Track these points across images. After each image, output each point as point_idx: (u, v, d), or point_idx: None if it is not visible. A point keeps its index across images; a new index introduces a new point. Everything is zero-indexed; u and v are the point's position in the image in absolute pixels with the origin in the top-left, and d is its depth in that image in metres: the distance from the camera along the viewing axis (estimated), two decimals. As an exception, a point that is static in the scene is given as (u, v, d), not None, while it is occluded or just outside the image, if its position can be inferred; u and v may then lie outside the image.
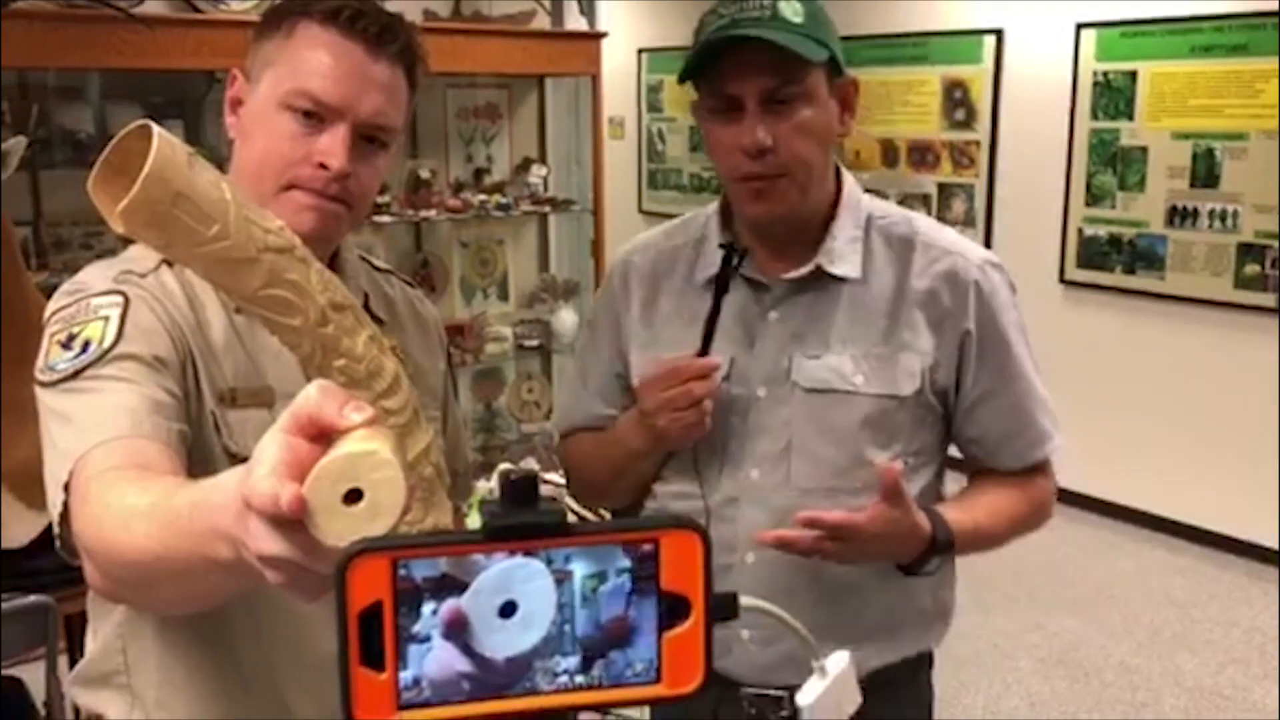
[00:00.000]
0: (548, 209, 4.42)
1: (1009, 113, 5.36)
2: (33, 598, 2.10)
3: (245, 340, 1.19)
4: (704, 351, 1.44)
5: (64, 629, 2.26)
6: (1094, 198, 5.06)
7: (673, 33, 7.08)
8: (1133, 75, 4.86)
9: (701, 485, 1.49)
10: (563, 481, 2.88)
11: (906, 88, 5.69)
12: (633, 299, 1.57)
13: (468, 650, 0.54)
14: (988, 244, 5.41)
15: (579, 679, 0.56)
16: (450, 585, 0.54)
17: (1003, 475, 1.54)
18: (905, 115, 5.73)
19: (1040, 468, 1.56)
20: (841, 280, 1.45)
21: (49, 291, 1.31)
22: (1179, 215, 4.79)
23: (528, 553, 0.55)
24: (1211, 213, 4.68)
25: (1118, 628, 4.16)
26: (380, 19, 1.19)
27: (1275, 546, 4.55)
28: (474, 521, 1.79)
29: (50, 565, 2.04)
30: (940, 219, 5.79)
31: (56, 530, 1.02)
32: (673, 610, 0.57)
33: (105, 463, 0.96)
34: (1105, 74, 4.95)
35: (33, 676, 2.24)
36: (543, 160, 4.49)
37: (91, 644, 1.25)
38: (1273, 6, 4.36)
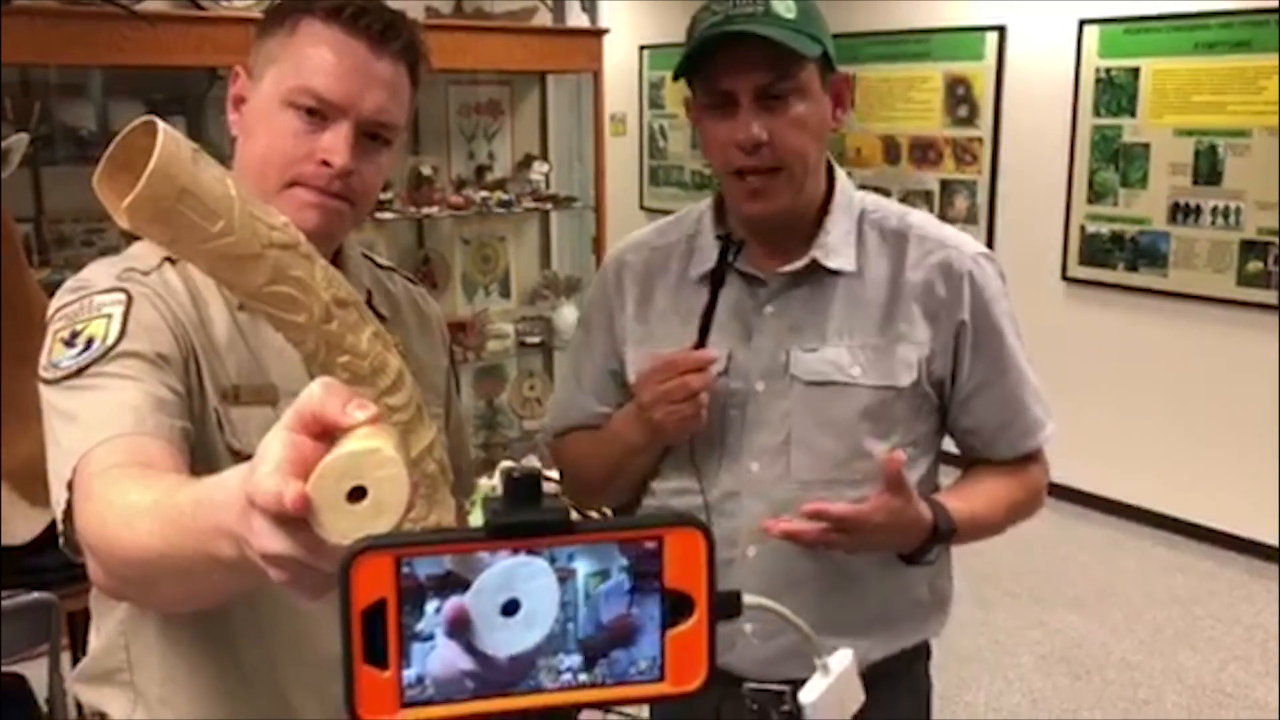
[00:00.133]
0: (549, 206, 4.42)
1: (1011, 109, 5.35)
2: (35, 595, 2.10)
3: (248, 337, 1.19)
4: (700, 345, 1.44)
5: (67, 626, 2.27)
6: (1096, 194, 5.06)
7: (674, 29, 7.05)
8: (1135, 72, 4.85)
9: (700, 480, 1.49)
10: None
11: (909, 84, 5.69)
12: (627, 296, 1.57)
13: (471, 648, 0.54)
14: (990, 241, 5.41)
15: (582, 677, 0.56)
16: (453, 583, 0.54)
17: (998, 464, 1.55)
18: (907, 112, 5.72)
19: (1034, 455, 1.57)
20: (837, 273, 1.46)
21: (51, 288, 1.31)
22: (1181, 212, 4.78)
23: (531, 551, 0.55)
24: (1214, 209, 4.67)
25: (1119, 625, 4.16)
26: (383, 16, 1.19)
27: (1277, 544, 4.55)
28: (476, 518, 1.80)
29: (53, 562, 2.05)
30: (942, 216, 5.80)
31: (60, 528, 1.02)
32: (676, 608, 0.57)
33: (108, 460, 0.96)
34: (1108, 70, 4.94)
35: (35, 673, 2.24)
36: (544, 157, 4.49)
37: (94, 641, 1.25)
38: (1275, 3, 4.35)
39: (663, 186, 7.50)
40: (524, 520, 0.55)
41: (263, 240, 0.91)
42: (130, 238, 1.09)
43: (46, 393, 1.07)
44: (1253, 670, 3.83)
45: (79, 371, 1.05)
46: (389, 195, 3.89)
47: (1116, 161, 4.97)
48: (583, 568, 0.55)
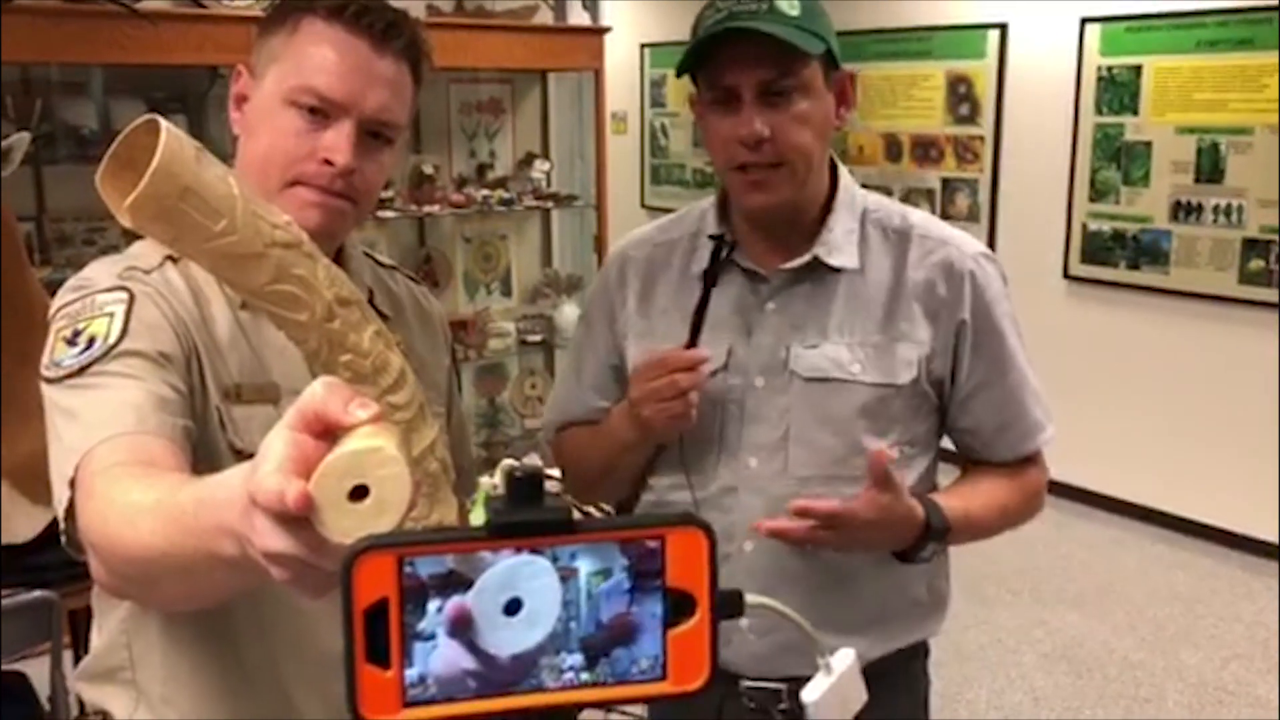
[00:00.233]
0: (550, 204, 4.42)
1: (1013, 108, 5.35)
2: (37, 593, 2.10)
3: (250, 336, 1.19)
4: (692, 343, 1.45)
5: (68, 624, 2.27)
6: (1098, 193, 5.06)
7: (675, 27, 7.07)
8: (1137, 70, 4.85)
9: (689, 478, 1.50)
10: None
11: (910, 82, 5.69)
12: (629, 291, 1.58)
13: (473, 647, 0.54)
14: (991, 239, 5.41)
15: (584, 676, 0.56)
16: (456, 582, 0.54)
17: (996, 466, 1.55)
18: (909, 110, 5.72)
19: (1032, 458, 1.57)
20: (839, 271, 1.47)
21: (52, 287, 1.31)
22: (1183, 210, 4.78)
23: (533, 550, 0.55)
24: (1216, 208, 4.67)
25: (1121, 623, 4.16)
26: (385, 15, 1.19)
27: (1277, 542, 4.55)
28: (478, 517, 1.80)
29: (54, 560, 2.05)
30: (944, 214, 5.78)
31: (62, 526, 1.02)
32: (678, 607, 0.57)
33: (110, 459, 0.96)
34: (1109, 68, 4.94)
35: (37, 671, 2.24)
36: (546, 155, 4.49)
37: (96, 640, 1.25)
38: (1276, 1, 4.35)
39: (664, 185, 7.50)
40: (526, 520, 0.55)
41: (265, 239, 0.91)
42: (132, 236, 1.09)
43: (48, 391, 1.07)
44: (1254, 668, 3.83)
45: (81, 370, 1.05)
46: (390, 193, 3.90)
47: (1118, 159, 4.96)
48: (585, 567, 0.55)
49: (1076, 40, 5.02)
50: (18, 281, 2.14)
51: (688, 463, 1.50)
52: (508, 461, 3.49)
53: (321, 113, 1.17)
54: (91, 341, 1.07)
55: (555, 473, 1.76)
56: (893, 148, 5.81)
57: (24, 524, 2.12)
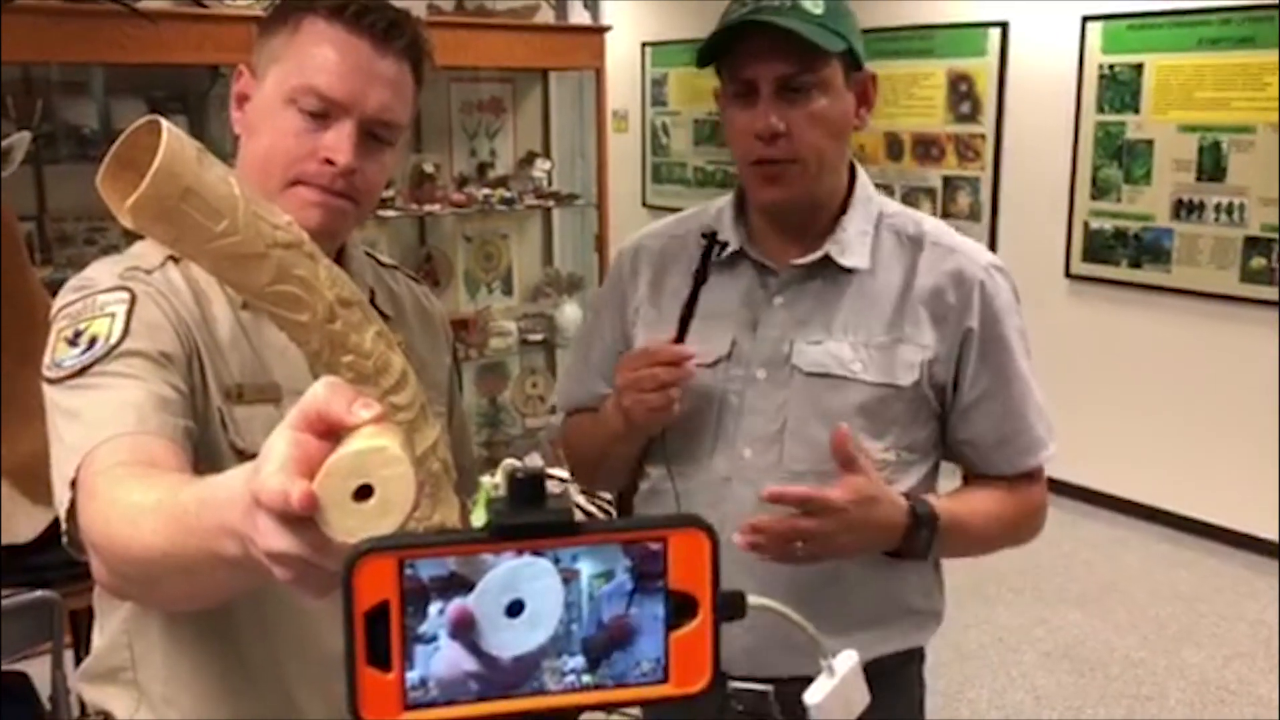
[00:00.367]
0: (551, 203, 4.42)
1: (1014, 106, 5.35)
2: (38, 593, 2.10)
3: (251, 336, 1.19)
4: (680, 338, 1.45)
5: (69, 624, 2.27)
6: (1100, 191, 5.05)
7: (676, 26, 7.07)
8: (1139, 68, 4.84)
9: (670, 469, 1.51)
10: (568, 476, 2.89)
11: (911, 81, 5.68)
12: (640, 280, 1.59)
13: (475, 649, 0.54)
14: (993, 238, 5.41)
15: (586, 679, 0.56)
16: (457, 585, 0.54)
17: (994, 479, 1.54)
18: (910, 108, 5.72)
19: (1033, 476, 1.55)
20: (849, 271, 1.47)
21: (53, 287, 1.31)
22: (1185, 208, 4.77)
23: (535, 552, 0.55)
24: (1218, 206, 4.66)
25: (1123, 622, 4.15)
26: (387, 15, 1.19)
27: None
28: (479, 516, 1.80)
29: (55, 560, 2.05)
30: (945, 213, 5.77)
31: (64, 526, 1.02)
32: (680, 609, 0.57)
33: (112, 459, 0.96)
34: (1111, 67, 4.93)
35: (38, 671, 2.24)
36: (547, 154, 4.49)
37: (98, 640, 1.25)
38: (1279, -1, 4.35)
39: (665, 184, 7.49)
40: (528, 522, 0.54)
41: (266, 239, 0.91)
42: (133, 236, 1.09)
43: (50, 391, 1.07)
44: (1256, 667, 3.82)
45: (82, 370, 1.05)
46: (391, 193, 3.90)
47: (1120, 158, 4.96)
48: (586, 569, 0.55)
49: (1078, 38, 5.02)
50: (19, 281, 2.14)
51: (670, 454, 1.51)
52: (509, 461, 3.47)
53: (323, 113, 1.17)
54: (93, 342, 1.07)
55: (557, 472, 1.76)
56: (894, 146, 5.81)
57: (25, 524, 2.12)
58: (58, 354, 1.08)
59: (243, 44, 3.12)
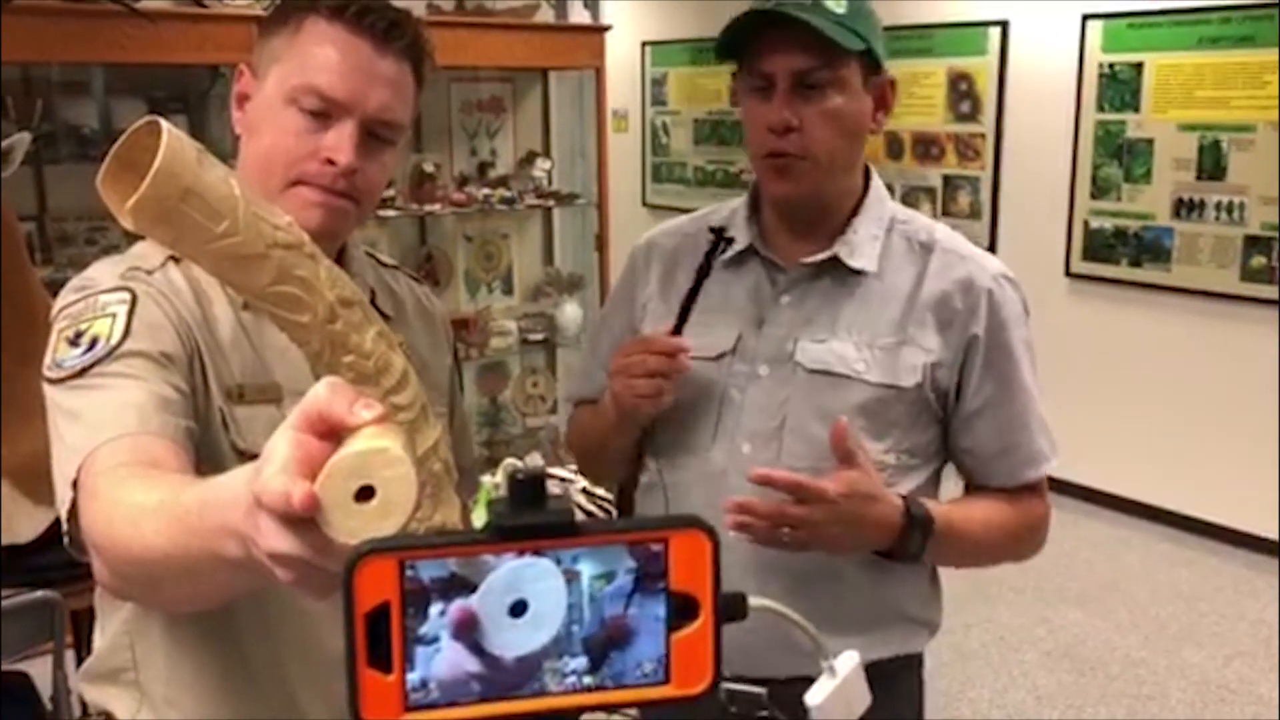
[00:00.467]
0: (552, 203, 4.42)
1: (1014, 105, 5.35)
2: (39, 593, 2.10)
3: (252, 337, 1.19)
4: (678, 330, 1.46)
5: (70, 624, 2.27)
6: (1100, 190, 5.05)
7: (676, 26, 7.07)
8: (1138, 67, 4.84)
9: (658, 462, 1.53)
10: (569, 476, 2.89)
11: (911, 80, 5.68)
12: (652, 274, 1.61)
13: (478, 650, 0.54)
14: (993, 237, 5.41)
15: (587, 680, 0.56)
16: (458, 586, 0.53)
17: (994, 491, 1.53)
18: (910, 108, 5.71)
19: (1034, 489, 1.54)
20: (857, 273, 1.48)
21: (54, 287, 1.31)
22: (1185, 207, 4.77)
23: (536, 552, 0.55)
24: (1218, 205, 4.66)
25: (1124, 621, 4.15)
26: (387, 14, 1.19)
27: (1281, 539, 4.56)
28: (480, 516, 1.80)
29: (56, 561, 2.05)
30: (945, 212, 5.76)
31: (65, 527, 1.02)
32: (681, 610, 0.57)
33: (113, 459, 0.96)
34: (1111, 65, 4.93)
35: (39, 672, 2.24)
36: (547, 154, 4.49)
37: (99, 641, 1.25)
38: (1279, -2, 4.35)
39: (665, 183, 7.49)
40: (529, 523, 0.54)
41: (267, 240, 0.91)
42: (134, 236, 1.09)
43: (51, 392, 1.07)
44: (1257, 666, 3.83)
45: (83, 371, 1.05)
46: (391, 193, 3.90)
47: (1120, 157, 4.96)
48: (587, 569, 0.55)
49: (1078, 37, 5.02)
50: (19, 281, 2.14)
51: (669, 445, 1.52)
52: (510, 461, 3.49)
53: (324, 113, 1.17)
54: (94, 342, 1.07)
55: (558, 472, 1.77)
56: (894, 145, 5.80)
57: (26, 524, 2.12)
58: (59, 354, 1.08)
59: (243, 44, 3.12)
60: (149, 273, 1.16)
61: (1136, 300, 5.00)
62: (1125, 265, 5.01)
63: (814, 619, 1.20)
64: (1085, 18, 4.98)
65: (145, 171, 0.83)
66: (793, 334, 1.48)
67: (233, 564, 0.71)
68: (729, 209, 1.59)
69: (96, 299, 1.11)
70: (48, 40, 3.08)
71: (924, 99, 5.66)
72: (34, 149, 2.76)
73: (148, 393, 1.04)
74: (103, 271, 1.17)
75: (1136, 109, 4.87)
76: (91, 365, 1.05)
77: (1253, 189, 4.55)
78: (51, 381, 1.07)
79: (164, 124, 0.85)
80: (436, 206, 4.09)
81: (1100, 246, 5.09)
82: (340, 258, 1.27)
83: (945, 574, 1.61)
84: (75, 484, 0.98)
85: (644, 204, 7.55)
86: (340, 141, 1.16)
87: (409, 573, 0.53)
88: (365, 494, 0.60)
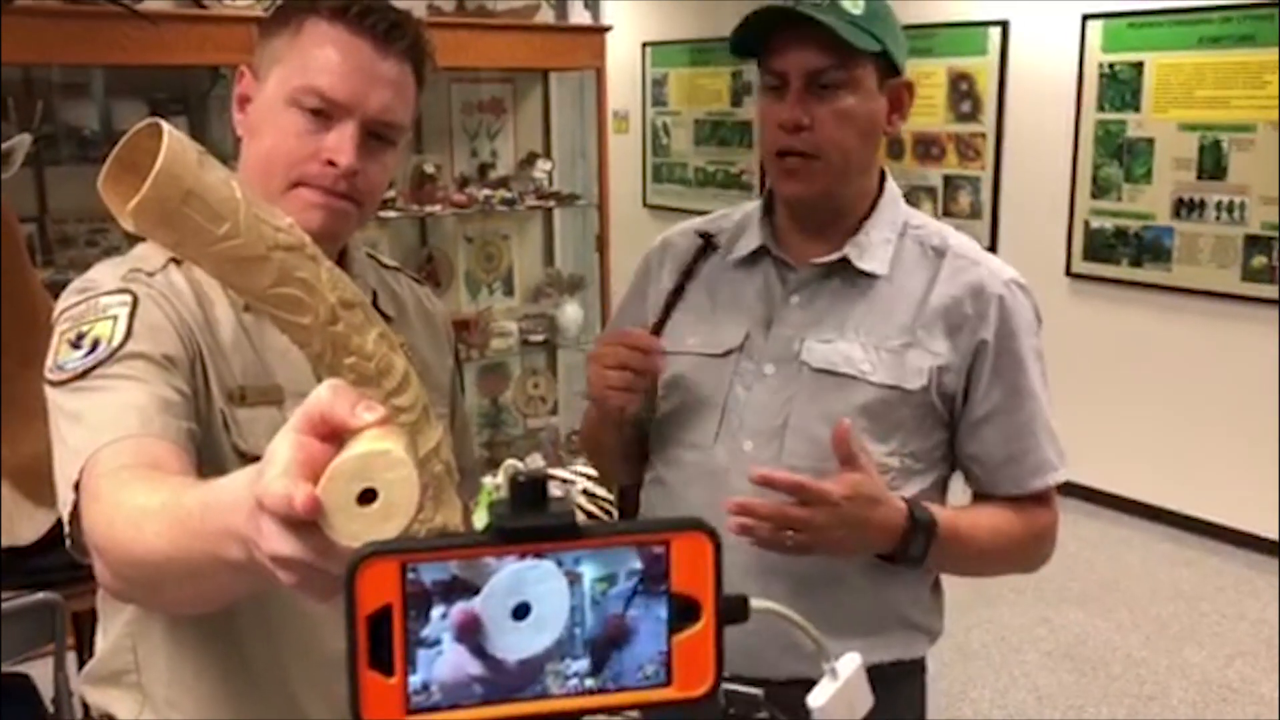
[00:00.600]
0: (552, 203, 4.42)
1: (1015, 105, 5.35)
2: (40, 595, 2.10)
3: (254, 338, 1.19)
4: (658, 328, 1.47)
5: (72, 626, 2.27)
6: (1100, 190, 5.05)
7: (677, 27, 7.07)
8: (1139, 66, 4.84)
9: (662, 461, 1.54)
10: (570, 477, 2.89)
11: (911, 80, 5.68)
12: (664, 271, 1.61)
13: (480, 652, 0.54)
14: (993, 237, 5.41)
15: (589, 682, 0.56)
16: (460, 588, 0.53)
17: (1001, 499, 1.52)
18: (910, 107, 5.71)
19: (1041, 499, 1.54)
20: (868, 275, 1.48)
21: (55, 288, 1.31)
22: (1185, 207, 4.77)
23: (538, 554, 0.54)
24: (1218, 204, 4.66)
25: (1125, 621, 4.15)
26: (388, 16, 1.19)
27: (1282, 539, 4.56)
28: (480, 517, 1.80)
29: (57, 563, 2.04)
30: (945, 212, 5.75)
31: (67, 529, 1.02)
32: (683, 613, 0.57)
33: (115, 462, 0.96)
34: (1111, 65, 4.93)
35: (40, 673, 2.24)
36: (547, 155, 4.49)
37: (101, 642, 1.25)
38: (1280, -3, 4.35)
39: (666, 184, 7.49)
40: (530, 525, 0.54)
41: (268, 242, 0.91)
42: (135, 238, 1.09)
43: (52, 394, 1.07)
44: (1258, 666, 3.82)
45: (85, 373, 1.05)
46: (392, 193, 3.90)
47: (1120, 157, 4.96)
48: (589, 572, 0.55)
49: (1078, 37, 5.02)
50: (20, 283, 2.13)
51: (672, 440, 1.53)
52: (510, 462, 3.49)
53: (324, 114, 1.17)
54: (95, 344, 1.07)
55: (559, 473, 1.78)
56: (894, 145, 5.80)
57: (27, 526, 2.12)
58: (60, 356, 1.08)
59: (243, 45, 3.12)
60: (150, 275, 1.16)
61: (1137, 300, 5.00)
62: (1126, 265, 5.01)
63: (814, 621, 1.20)
64: (1085, 17, 4.98)
65: (146, 173, 0.84)
66: (800, 334, 1.48)
67: (235, 566, 0.71)
68: (744, 211, 1.60)
69: (98, 301, 1.11)
70: (48, 41, 3.08)
71: (924, 99, 5.65)
72: (35, 150, 2.76)
73: (149, 395, 1.04)
74: (104, 274, 1.17)
75: (1137, 109, 4.87)
76: (93, 367, 1.05)
77: (1253, 189, 4.54)
78: (53, 384, 1.07)
79: (165, 126, 0.85)
80: (437, 207, 4.09)
81: (1101, 246, 5.09)
82: (341, 259, 1.27)
83: (947, 575, 1.61)
84: (77, 486, 0.98)
85: (644, 205, 7.55)
86: (341, 143, 1.16)
87: (411, 575, 0.53)
88: (367, 496, 0.60)
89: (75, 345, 1.07)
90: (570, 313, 4.43)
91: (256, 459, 0.65)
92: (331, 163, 1.16)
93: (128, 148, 0.89)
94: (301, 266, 0.93)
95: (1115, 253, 5.04)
